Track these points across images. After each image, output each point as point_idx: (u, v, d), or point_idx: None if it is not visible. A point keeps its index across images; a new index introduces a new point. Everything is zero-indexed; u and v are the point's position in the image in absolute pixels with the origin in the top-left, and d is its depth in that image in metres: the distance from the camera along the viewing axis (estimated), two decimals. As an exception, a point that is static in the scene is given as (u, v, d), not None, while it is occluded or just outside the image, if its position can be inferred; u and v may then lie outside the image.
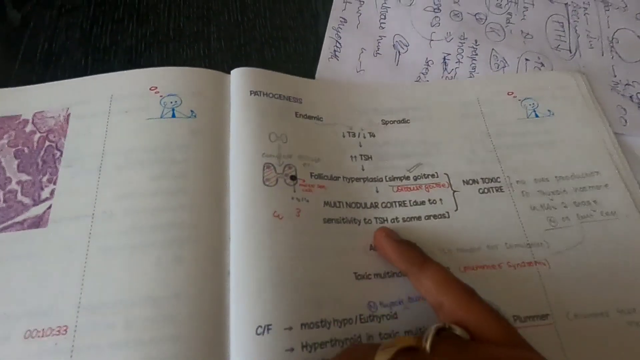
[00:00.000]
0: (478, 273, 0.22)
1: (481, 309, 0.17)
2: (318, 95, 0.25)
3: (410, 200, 0.23)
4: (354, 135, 0.24)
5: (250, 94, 0.23)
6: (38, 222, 0.21)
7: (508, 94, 0.28)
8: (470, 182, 0.24)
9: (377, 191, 0.22)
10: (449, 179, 0.24)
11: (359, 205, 0.22)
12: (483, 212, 0.23)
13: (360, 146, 0.23)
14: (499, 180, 0.25)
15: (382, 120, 0.25)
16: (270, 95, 0.23)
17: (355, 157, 0.23)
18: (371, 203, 0.22)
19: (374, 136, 0.24)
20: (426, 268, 0.19)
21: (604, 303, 0.22)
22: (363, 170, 0.23)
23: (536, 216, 0.24)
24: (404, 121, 0.25)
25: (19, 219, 0.21)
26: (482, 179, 0.25)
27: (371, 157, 0.23)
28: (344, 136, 0.23)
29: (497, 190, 0.24)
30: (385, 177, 0.23)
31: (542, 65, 0.30)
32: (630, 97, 0.29)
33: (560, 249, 0.23)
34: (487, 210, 0.24)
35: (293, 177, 0.21)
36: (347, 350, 0.17)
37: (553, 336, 0.21)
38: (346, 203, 0.21)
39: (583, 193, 0.25)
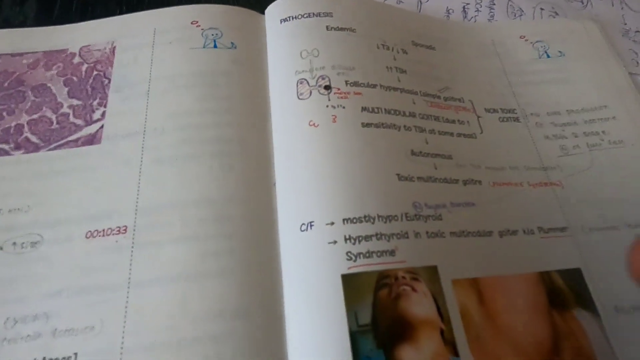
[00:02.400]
0: (504, 189, 0.23)
1: None
2: (350, 8, 0.26)
3: (442, 117, 0.24)
4: (387, 48, 0.25)
5: (281, 22, 0.25)
6: (92, 140, 0.22)
7: (520, 38, 0.30)
8: (492, 110, 0.26)
9: (414, 103, 0.24)
10: (473, 105, 0.26)
11: (397, 112, 0.23)
12: (504, 137, 0.25)
13: (395, 60, 0.25)
14: (515, 112, 0.27)
15: (412, 41, 0.26)
16: (299, 16, 0.25)
17: (390, 68, 0.24)
18: (409, 112, 0.23)
19: (406, 53, 0.26)
20: None
21: (614, 218, 0.24)
22: (399, 81, 0.24)
23: (550, 144, 0.26)
24: (431, 47, 0.27)
25: (73, 137, 0.23)
26: (501, 109, 0.26)
27: (406, 72, 0.25)
28: (378, 48, 0.25)
29: (514, 120, 0.26)
30: (420, 91, 0.25)
31: (556, 14, 0.32)
32: (640, 42, 0.31)
33: (572, 172, 0.25)
34: (507, 136, 0.25)
35: (327, 87, 0.22)
36: None
37: (573, 248, 0.23)
38: (385, 109, 0.23)
39: (592, 124, 0.27)
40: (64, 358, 0.17)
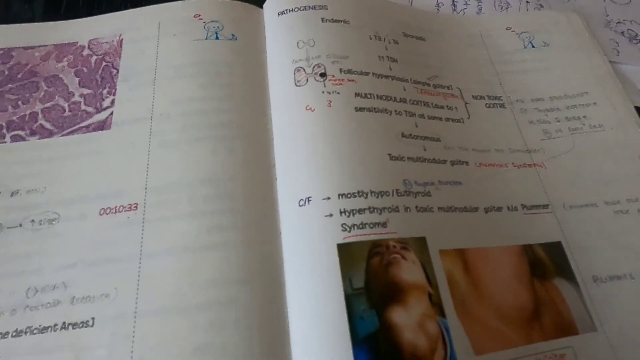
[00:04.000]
0: (490, 169, 0.25)
1: None
2: (344, 1, 0.27)
3: (431, 103, 0.26)
4: (379, 39, 0.27)
5: (278, 15, 0.27)
6: (102, 126, 0.24)
7: (507, 29, 0.31)
8: (479, 97, 0.28)
9: (405, 90, 0.25)
10: (461, 93, 0.27)
11: (388, 98, 0.24)
12: (490, 122, 0.27)
13: (386, 49, 0.26)
14: (501, 98, 0.28)
15: (403, 32, 0.28)
16: (296, 9, 0.26)
17: (382, 57, 0.26)
18: (400, 98, 0.25)
19: (397, 43, 0.27)
20: None
21: (593, 196, 0.25)
22: (390, 69, 0.26)
23: (534, 128, 0.27)
24: (421, 38, 0.29)
25: (85, 124, 0.24)
26: (487, 96, 0.28)
27: (397, 60, 0.26)
28: (370, 38, 0.26)
29: (500, 107, 0.28)
30: (410, 79, 0.26)
31: (541, 6, 0.33)
32: (622, 32, 0.33)
33: (555, 154, 0.27)
34: (493, 121, 0.27)
35: (322, 74, 0.24)
36: None
37: (554, 223, 0.24)
38: (377, 95, 0.24)
39: (574, 110, 0.28)
40: (82, 322, 0.19)
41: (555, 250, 0.23)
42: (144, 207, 0.21)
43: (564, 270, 0.23)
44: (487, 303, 0.20)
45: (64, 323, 0.19)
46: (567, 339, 0.21)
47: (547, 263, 0.23)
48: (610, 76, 0.30)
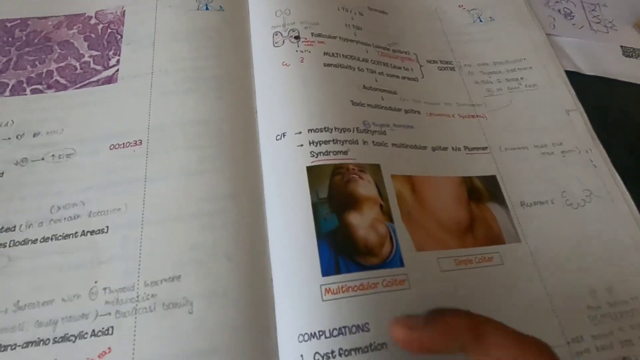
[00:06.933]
0: (439, 118, 0.30)
1: None
2: None
3: (390, 64, 0.31)
4: (346, 10, 0.31)
5: None
6: (109, 80, 0.28)
7: (459, 7, 0.36)
8: (432, 62, 0.33)
9: (367, 52, 0.30)
10: (417, 57, 0.32)
11: (352, 57, 0.29)
12: (442, 81, 0.32)
13: (352, 19, 0.31)
14: (451, 63, 0.33)
15: (367, 6, 0.33)
16: None
17: (349, 25, 0.30)
18: (363, 58, 0.29)
19: (362, 15, 0.32)
20: (483, 336, 0.17)
21: (524, 141, 0.30)
22: (355, 35, 0.30)
23: (478, 87, 0.32)
24: (383, 12, 0.33)
25: (94, 79, 0.28)
26: (440, 60, 0.33)
27: (361, 29, 0.31)
28: (338, 10, 0.31)
29: (450, 70, 0.33)
30: (372, 44, 0.31)
31: (488, -13, 0.38)
32: (559, 10, 0.38)
33: (495, 108, 0.31)
34: (443, 81, 0.32)
35: (296, 37, 0.28)
36: None
37: (491, 161, 0.29)
38: (342, 55, 0.29)
39: (513, 72, 0.33)
40: (99, 229, 0.23)
41: (491, 182, 0.28)
42: (147, 142, 0.25)
43: (497, 197, 0.27)
44: (429, 215, 0.25)
45: (83, 231, 0.23)
46: (495, 246, 0.25)
47: (482, 191, 0.27)
48: (545, 45, 0.35)
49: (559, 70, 0.34)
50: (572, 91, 0.33)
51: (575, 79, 0.34)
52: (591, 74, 0.35)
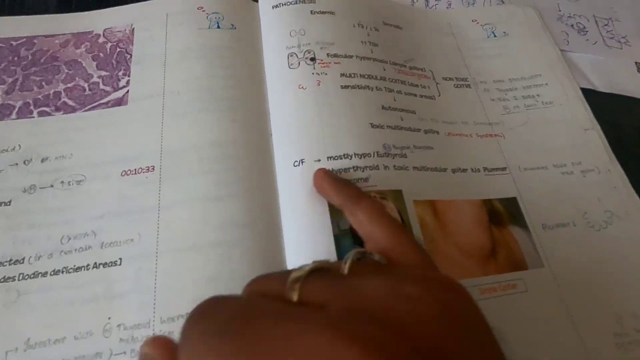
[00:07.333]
0: (457, 138, 0.29)
1: (406, 239, 0.18)
2: None
3: (407, 82, 0.30)
4: (362, 27, 0.31)
5: (273, 8, 0.30)
6: (119, 102, 0.27)
7: (472, 21, 0.36)
8: (448, 78, 0.32)
9: (384, 70, 0.29)
10: (432, 74, 0.32)
11: (370, 76, 0.28)
12: (457, 99, 0.31)
13: (368, 36, 0.30)
14: (467, 80, 0.33)
15: (383, 22, 0.32)
16: (288, 3, 0.30)
17: (365, 42, 0.30)
18: (380, 76, 0.29)
19: (377, 31, 0.31)
20: (360, 202, 0.21)
21: (544, 160, 0.30)
22: (372, 52, 0.30)
23: (495, 105, 0.32)
24: (398, 27, 0.33)
25: (104, 101, 0.27)
26: (455, 77, 0.32)
27: (377, 45, 0.30)
28: (354, 27, 0.30)
29: (466, 87, 0.32)
30: (389, 61, 0.30)
31: (503, 2, 0.38)
32: (572, 25, 0.38)
33: (512, 126, 0.31)
34: (460, 99, 0.31)
35: (312, 59, 0.28)
36: (260, 277, 0.17)
37: (511, 182, 0.28)
38: (360, 74, 0.28)
39: (529, 89, 0.33)
40: (111, 262, 0.22)
41: (511, 204, 0.27)
42: (160, 167, 0.25)
43: (518, 219, 0.27)
44: (452, 241, 0.24)
45: (95, 263, 0.22)
46: (518, 272, 0.25)
47: (503, 213, 0.27)
48: (560, 61, 0.34)
49: (574, 87, 0.33)
50: (589, 108, 0.32)
51: (590, 96, 0.34)
52: (606, 91, 0.35)
